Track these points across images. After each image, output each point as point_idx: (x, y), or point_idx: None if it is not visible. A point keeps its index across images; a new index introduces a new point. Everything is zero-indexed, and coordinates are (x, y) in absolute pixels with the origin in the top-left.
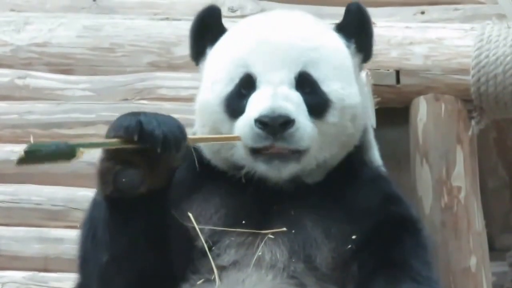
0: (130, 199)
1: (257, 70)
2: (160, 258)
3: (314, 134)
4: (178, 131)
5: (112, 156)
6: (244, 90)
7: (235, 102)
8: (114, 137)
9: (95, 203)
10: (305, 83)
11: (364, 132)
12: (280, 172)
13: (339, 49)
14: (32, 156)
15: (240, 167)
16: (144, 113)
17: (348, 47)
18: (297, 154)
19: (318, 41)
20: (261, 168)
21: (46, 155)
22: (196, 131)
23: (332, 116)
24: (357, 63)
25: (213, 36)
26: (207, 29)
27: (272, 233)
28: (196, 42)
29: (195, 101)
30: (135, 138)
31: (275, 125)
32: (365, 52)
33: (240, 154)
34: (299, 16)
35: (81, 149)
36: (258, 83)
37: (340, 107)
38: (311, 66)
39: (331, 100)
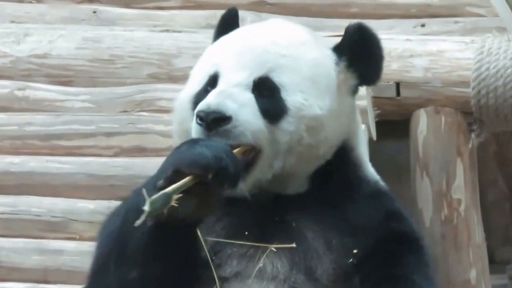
0: (176, 225)
1: (222, 69)
2: (183, 275)
3: (263, 134)
4: (238, 163)
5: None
6: (210, 88)
7: (200, 99)
8: (189, 174)
9: (127, 219)
10: (264, 88)
11: (350, 150)
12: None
13: (316, 62)
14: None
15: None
16: (211, 145)
17: (337, 63)
18: (245, 173)
19: (294, 50)
20: None
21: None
22: (172, 130)
23: (287, 123)
24: (344, 81)
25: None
26: (224, 31)
27: (277, 250)
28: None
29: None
30: (210, 176)
31: (208, 120)
32: (361, 73)
33: None
34: (289, 25)
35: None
36: (219, 82)
37: (297, 116)
38: (277, 73)
39: (288, 108)
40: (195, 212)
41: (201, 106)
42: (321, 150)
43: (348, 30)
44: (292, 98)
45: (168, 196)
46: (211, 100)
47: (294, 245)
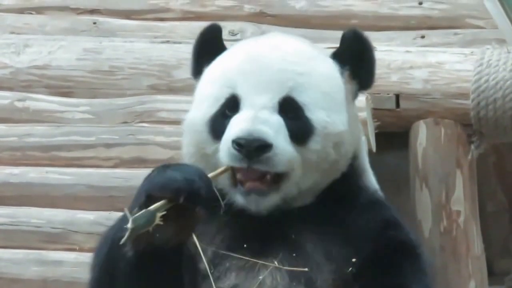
0: (158, 250)
1: (242, 92)
2: None
3: (295, 159)
4: (211, 185)
5: None
6: (228, 111)
7: (219, 122)
8: (161, 198)
9: (112, 246)
10: (289, 108)
11: (355, 158)
12: (258, 206)
13: (329, 75)
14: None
15: (223, 196)
16: (182, 169)
17: (341, 73)
18: (275, 186)
19: (308, 66)
20: (239, 200)
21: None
22: (183, 152)
23: (314, 143)
24: (350, 90)
25: (212, 55)
26: (207, 48)
27: (279, 262)
28: (196, 60)
29: (184, 120)
30: (182, 199)
31: (251, 148)
32: (361, 79)
33: (224, 182)
34: (293, 40)
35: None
36: (241, 105)
37: (323, 134)
38: (298, 91)
39: (314, 127)
40: (173, 237)
41: (241, 132)
42: (341, 164)
43: (347, 37)
44: (316, 116)
45: (151, 214)
46: (249, 127)
47: (306, 269)
